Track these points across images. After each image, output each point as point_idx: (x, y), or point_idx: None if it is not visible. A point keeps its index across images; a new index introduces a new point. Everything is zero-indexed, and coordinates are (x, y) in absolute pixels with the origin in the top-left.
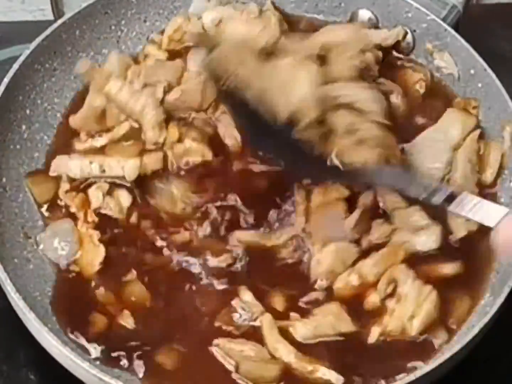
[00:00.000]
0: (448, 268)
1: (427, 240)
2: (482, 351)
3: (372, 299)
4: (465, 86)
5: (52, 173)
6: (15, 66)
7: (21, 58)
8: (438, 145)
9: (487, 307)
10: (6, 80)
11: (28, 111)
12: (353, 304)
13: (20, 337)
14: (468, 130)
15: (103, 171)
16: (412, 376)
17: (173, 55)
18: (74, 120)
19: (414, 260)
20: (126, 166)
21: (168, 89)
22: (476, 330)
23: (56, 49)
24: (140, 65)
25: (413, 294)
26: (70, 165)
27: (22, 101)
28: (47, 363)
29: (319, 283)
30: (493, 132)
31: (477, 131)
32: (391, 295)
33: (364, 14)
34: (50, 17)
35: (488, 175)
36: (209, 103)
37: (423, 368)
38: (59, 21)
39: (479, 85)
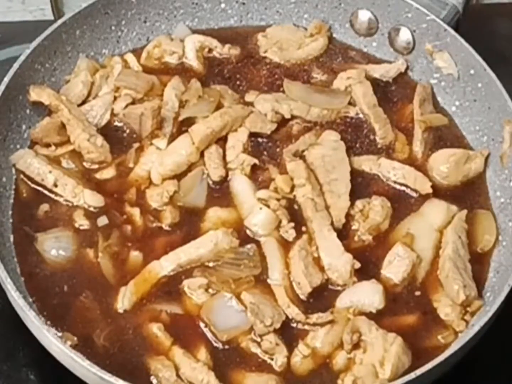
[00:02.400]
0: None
1: (372, 300)
2: (482, 351)
3: (340, 359)
4: (465, 86)
5: (13, 161)
6: (15, 66)
7: (21, 58)
8: (421, 230)
9: (487, 306)
10: (6, 79)
11: (28, 111)
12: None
13: (20, 337)
14: (452, 215)
15: (55, 185)
16: (412, 375)
17: (146, 71)
18: (35, 133)
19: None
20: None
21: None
22: (476, 329)
23: (56, 49)
24: (108, 69)
25: (379, 341)
26: (31, 163)
27: (22, 101)
28: (47, 363)
29: None
30: (493, 132)
31: (464, 211)
32: (357, 346)
33: (364, 15)
34: (50, 17)
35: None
36: (146, 135)
37: (424, 366)
38: (59, 21)
39: (479, 85)
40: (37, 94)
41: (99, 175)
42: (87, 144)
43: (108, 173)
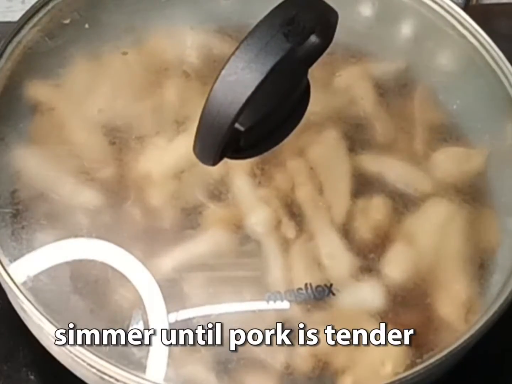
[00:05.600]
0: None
1: (372, 299)
2: (482, 351)
3: (340, 359)
4: (466, 84)
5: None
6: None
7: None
8: (422, 229)
9: (489, 306)
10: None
11: (26, 109)
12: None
13: (20, 337)
14: (453, 213)
15: (54, 184)
16: (413, 374)
17: (147, 69)
18: (33, 131)
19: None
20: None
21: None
22: (477, 329)
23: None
24: (108, 67)
25: (380, 340)
26: (29, 162)
27: (20, 99)
28: (47, 363)
29: None
30: (495, 130)
31: (465, 210)
32: (357, 346)
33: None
34: None
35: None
36: (146, 133)
37: (424, 366)
38: None
39: (481, 83)
40: (35, 92)
41: (99, 174)
42: (86, 142)
43: (108, 172)
